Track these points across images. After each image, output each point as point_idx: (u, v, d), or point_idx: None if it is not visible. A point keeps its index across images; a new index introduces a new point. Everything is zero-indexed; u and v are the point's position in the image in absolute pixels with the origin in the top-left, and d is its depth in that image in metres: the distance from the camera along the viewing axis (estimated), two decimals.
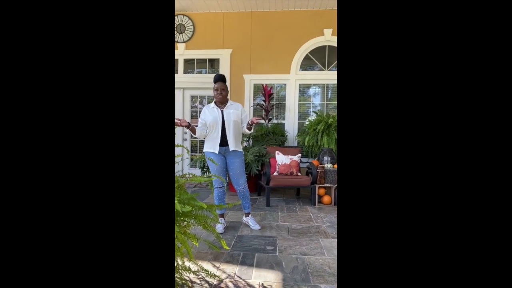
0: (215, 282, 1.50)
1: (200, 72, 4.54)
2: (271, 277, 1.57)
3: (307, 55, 4.28)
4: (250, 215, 2.44)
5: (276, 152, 3.42)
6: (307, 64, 4.33)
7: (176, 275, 1.30)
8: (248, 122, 2.24)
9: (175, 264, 1.26)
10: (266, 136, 3.96)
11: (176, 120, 1.96)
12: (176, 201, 0.99)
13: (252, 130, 2.31)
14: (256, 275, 1.58)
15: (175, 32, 4.41)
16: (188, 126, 2.06)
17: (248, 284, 1.49)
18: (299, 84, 4.35)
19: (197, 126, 2.25)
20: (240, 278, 1.55)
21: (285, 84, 4.37)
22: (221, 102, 2.27)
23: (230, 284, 1.48)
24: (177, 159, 1.39)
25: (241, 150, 2.34)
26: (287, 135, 4.25)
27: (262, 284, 1.49)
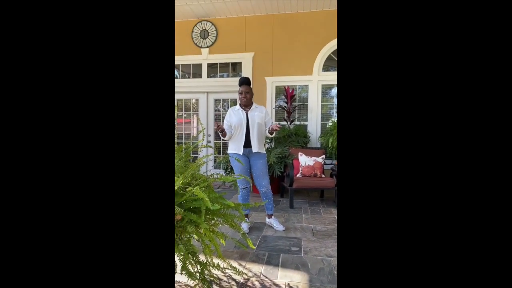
0: (242, 280, 1.53)
1: (222, 76, 4.64)
2: (297, 277, 1.57)
3: (329, 55, 4.24)
4: (273, 216, 2.46)
5: (299, 153, 3.41)
6: (330, 64, 4.28)
7: (205, 271, 1.34)
8: (269, 127, 2.30)
9: (205, 261, 1.30)
10: (288, 137, 3.95)
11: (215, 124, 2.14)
12: (206, 199, 1.03)
13: (274, 134, 2.36)
14: (282, 275, 1.59)
15: (199, 37, 4.55)
16: (223, 130, 2.21)
17: (274, 284, 1.50)
18: (322, 85, 4.30)
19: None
20: (266, 277, 1.57)
21: (307, 85, 4.34)
22: (246, 104, 2.34)
23: (257, 283, 1.50)
24: (204, 159, 1.44)
25: (264, 152, 2.38)
26: (310, 137, 4.22)
27: (288, 284, 1.50)
